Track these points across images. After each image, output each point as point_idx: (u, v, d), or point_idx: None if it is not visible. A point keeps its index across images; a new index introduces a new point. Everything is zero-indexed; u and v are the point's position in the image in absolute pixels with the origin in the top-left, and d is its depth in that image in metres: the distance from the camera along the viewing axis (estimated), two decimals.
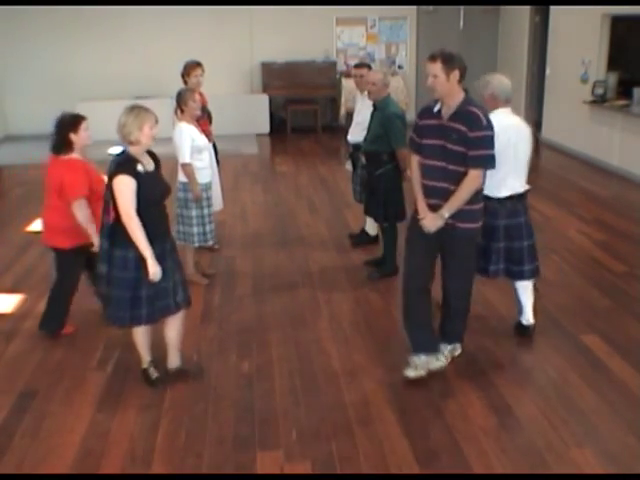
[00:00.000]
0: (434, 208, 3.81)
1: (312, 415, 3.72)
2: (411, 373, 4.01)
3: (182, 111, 5.24)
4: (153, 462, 3.34)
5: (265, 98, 12.36)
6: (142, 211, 3.61)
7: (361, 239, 6.42)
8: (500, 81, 4.24)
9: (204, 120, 5.89)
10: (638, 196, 8.14)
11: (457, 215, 3.77)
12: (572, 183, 8.77)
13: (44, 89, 12.17)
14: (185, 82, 6.00)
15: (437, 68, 3.64)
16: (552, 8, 10.82)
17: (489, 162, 3.71)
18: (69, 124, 4.30)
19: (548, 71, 11.07)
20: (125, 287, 3.70)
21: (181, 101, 5.23)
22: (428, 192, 3.85)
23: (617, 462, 3.30)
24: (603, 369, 4.15)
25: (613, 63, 9.56)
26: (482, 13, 12.88)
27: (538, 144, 11.32)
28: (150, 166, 3.76)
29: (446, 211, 3.74)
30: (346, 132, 6.51)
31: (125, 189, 3.57)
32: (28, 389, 4.03)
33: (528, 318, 4.56)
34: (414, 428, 3.59)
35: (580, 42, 9.90)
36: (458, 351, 4.24)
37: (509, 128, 4.12)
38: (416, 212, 3.94)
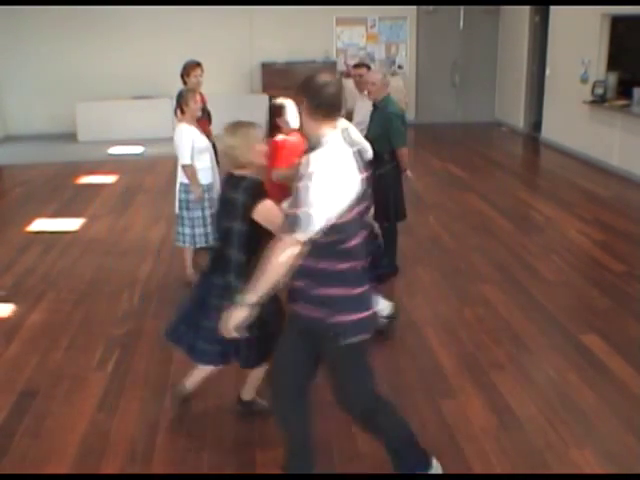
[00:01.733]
0: (297, 292, 2.72)
1: (312, 415, 3.70)
2: None
3: (182, 112, 5.24)
4: (153, 462, 3.34)
5: (265, 98, 12.34)
6: (258, 241, 3.09)
7: None
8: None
9: (204, 120, 5.89)
10: (638, 196, 8.14)
11: (319, 302, 2.60)
12: (572, 183, 8.76)
13: (44, 89, 12.19)
14: (184, 82, 6.01)
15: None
16: (552, 8, 10.82)
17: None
18: (274, 111, 4.78)
19: (548, 71, 11.07)
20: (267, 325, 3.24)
21: (182, 101, 5.23)
22: (296, 273, 2.63)
23: (617, 462, 3.29)
24: (603, 369, 4.15)
25: (613, 63, 9.56)
26: (482, 13, 12.89)
27: (538, 144, 11.35)
28: None
29: (252, 294, 2.57)
30: None
31: (277, 211, 3.13)
32: (28, 389, 4.02)
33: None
34: (414, 428, 3.57)
35: (580, 42, 9.90)
36: None
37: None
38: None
